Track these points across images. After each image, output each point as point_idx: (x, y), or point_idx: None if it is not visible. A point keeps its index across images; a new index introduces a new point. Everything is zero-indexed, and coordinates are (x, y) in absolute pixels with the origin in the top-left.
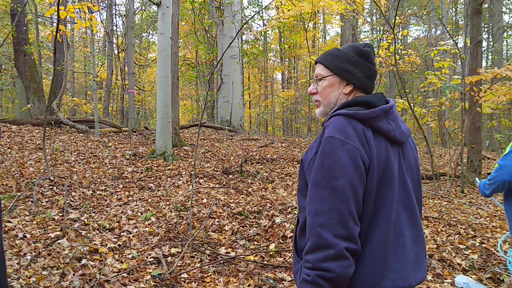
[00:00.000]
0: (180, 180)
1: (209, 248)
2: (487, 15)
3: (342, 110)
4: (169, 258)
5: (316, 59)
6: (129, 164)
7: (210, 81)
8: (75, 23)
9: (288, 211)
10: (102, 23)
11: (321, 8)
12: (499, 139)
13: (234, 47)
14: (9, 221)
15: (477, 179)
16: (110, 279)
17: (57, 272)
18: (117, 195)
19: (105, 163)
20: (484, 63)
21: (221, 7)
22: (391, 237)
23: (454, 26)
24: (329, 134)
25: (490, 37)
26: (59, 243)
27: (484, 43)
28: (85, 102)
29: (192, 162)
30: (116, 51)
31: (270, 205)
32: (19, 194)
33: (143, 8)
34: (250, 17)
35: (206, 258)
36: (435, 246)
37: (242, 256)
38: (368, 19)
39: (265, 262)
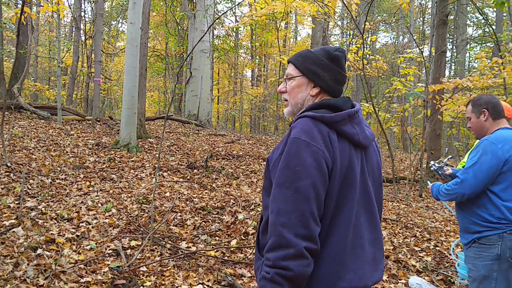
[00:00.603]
0: (143, 173)
1: (170, 242)
2: (453, 27)
3: (309, 112)
4: (128, 251)
5: (289, 59)
6: (92, 153)
7: (179, 74)
8: (41, 6)
9: (251, 208)
10: (70, 8)
11: (294, 8)
12: (457, 147)
13: (205, 41)
14: None
15: (429, 181)
16: (66, 270)
17: (10, 262)
18: (77, 184)
19: (66, 152)
20: (447, 73)
21: (194, 0)
22: (350, 238)
23: (421, 35)
24: (295, 135)
25: (454, 48)
26: (14, 231)
27: (448, 54)
28: (48, 88)
29: (157, 155)
30: (83, 38)
31: (234, 202)
32: None
33: None
34: (222, 12)
35: (167, 252)
36: (392, 247)
37: (203, 251)
38: (339, 23)
39: (226, 258)
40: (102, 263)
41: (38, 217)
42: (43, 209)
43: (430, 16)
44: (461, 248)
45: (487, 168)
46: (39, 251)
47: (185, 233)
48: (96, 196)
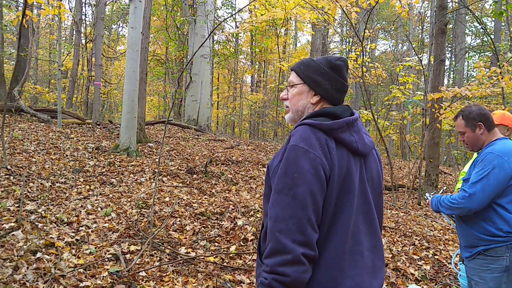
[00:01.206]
0: (143, 177)
1: (169, 247)
2: (451, 36)
3: (308, 120)
4: (127, 255)
5: (291, 67)
6: (91, 157)
7: (179, 79)
8: (43, 9)
9: (250, 214)
10: (71, 11)
11: (294, 15)
12: (456, 155)
13: (205, 46)
14: None
15: (427, 195)
16: (66, 274)
17: (10, 265)
18: (77, 188)
19: (66, 155)
20: (445, 81)
21: (194, 6)
22: (348, 245)
23: (420, 44)
24: (294, 142)
25: (453, 56)
26: (13, 234)
27: (447, 62)
28: (48, 91)
29: (156, 159)
30: (83, 41)
31: (233, 207)
32: None
33: None
34: (223, 18)
35: (166, 257)
36: (391, 255)
37: (202, 257)
38: (339, 30)
39: (225, 263)
40: (101, 267)
41: (38, 220)
42: (43, 212)
43: (429, 25)
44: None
45: (496, 182)
46: (38, 254)
47: (185, 238)
48: (95, 200)
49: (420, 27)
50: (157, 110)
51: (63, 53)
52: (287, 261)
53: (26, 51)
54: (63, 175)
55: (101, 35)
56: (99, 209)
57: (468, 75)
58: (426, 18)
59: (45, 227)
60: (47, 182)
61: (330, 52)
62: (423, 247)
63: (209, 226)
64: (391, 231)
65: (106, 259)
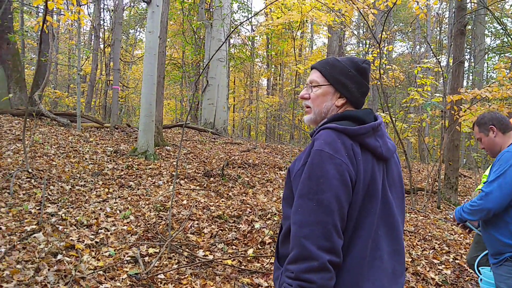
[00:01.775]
0: (160, 180)
1: (187, 250)
2: (470, 37)
3: (333, 124)
4: (146, 258)
5: (313, 65)
6: (110, 160)
7: (196, 82)
8: (63, 14)
9: (267, 217)
10: (89, 16)
11: (310, 18)
12: (476, 158)
13: (221, 50)
14: None
15: (450, 214)
16: (86, 276)
17: (31, 267)
18: (96, 191)
19: (86, 158)
20: (465, 83)
21: (211, 10)
22: (369, 250)
23: (438, 45)
24: (319, 147)
25: (472, 58)
26: (35, 237)
27: (466, 64)
28: (67, 95)
29: (174, 163)
30: (102, 46)
31: (250, 210)
32: None
33: (132, 4)
34: (240, 22)
35: (184, 260)
36: (410, 259)
37: (219, 260)
38: (355, 32)
39: (243, 267)
40: (120, 269)
41: (58, 223)
42: (63, 215)
43: (447, 26)
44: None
45: None
46: (59, 256)
47: (202, 241)
48: (114, 203)
49: (438, 28)
50: (174, 113)
51: (82, 58)
52: (313, 268)
53: (46, 56)
54: (82, 178)
55: (119, 39)
56: (118, 212)
57: (488, 77)
58: (445, 19)
59: (65, 230)
60: (67, 185)
61: (346, 54)
62: (444, 251)
63: (226, 229)
64: (410, 235)
65: (125, 262)
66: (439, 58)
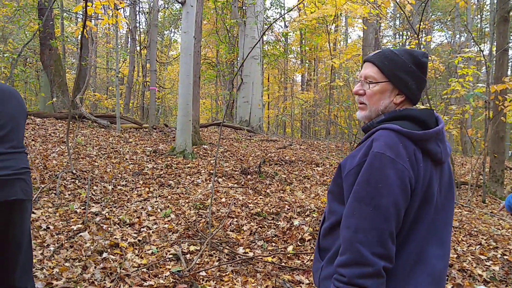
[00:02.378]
0: (199, 179)
1: (227, 247)
2: None
3: (395, 126)
4: (187, 256)
5: (368, 58)
6: (149, 160)
7: (232, 81)
8: (101, 19)
9: (306, 214)
10: (126, 19)
11: (345, 11)
12: None
13: (255, 47)
14: (33, 212)
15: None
16: (131, 274)
17: (79, 264)
18: (137, 190)
19: (126, 159)
20: (509, 72)
21: (244, 8)
22: (418, 254)
23: (479, 33)
24: (379, 149)
25: None
26: (81, 235)
27: (510, 52)
28: (106, 98)
29: (211, 161)
30: (138, 48)
31: (288, 207)
32: (43, 186)
33: (166, 6)
34: (274, 20)
35: (224, 257)
36: (456, 255)
37: (260, 257)
38: (391, 24)
39: (283, 264)
40: (163, 267)
41: (103, 222)
42: (106, 214)
43: (488, 14)
44: None
45: None
46: (104, 254)
47: (242, 238)
48: (155, 201)
49: (479, 16)
50: (210, 112)
51: (120, 61)
52: (368, 273)
53: (86, 60)
54: (123, 178)
55: (154, 41)
56: (158, 210)
57: None
58: (486, 6)
59: (109, 228)
60: (109, 185)
61: (383, 46)
62: (491, 247)
63: (265, 226)
64: (455, 230)
65: (167, 259)
66: (481, 47)
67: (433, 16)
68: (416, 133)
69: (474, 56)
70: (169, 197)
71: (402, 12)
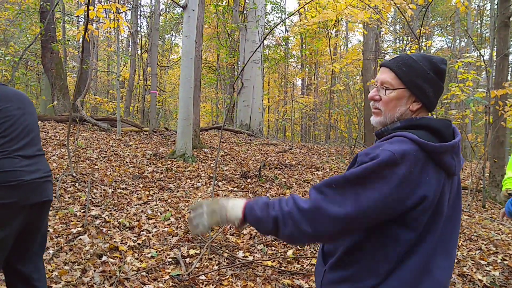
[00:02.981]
0: (199, 182)
1: (227, 251)
2: None
3: (413, 135)
4: (187, 259)
5: (385, 63)
6: (150, 164)
7: (232, 84)
8: (103, 22)
9: None
10: (127, 23)
11: (346, 16)
12: None
13: (256, 51)
14: None
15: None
16: (130, 277)
17: (78, 268)
18: (137, 194)
19: (126, 162)
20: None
21: (245, 12)
22: (425, 264)
23: (479, 39)
24: (391, 149)
25: None
26: (80, 239)
27: (511, 57)
28: (106, 101)
29: (211, 165)
30: (139, 52)
31: None
32: None
33: (167, 10)
34: (275, 24)
35: (224, 261)
36: (456, 261)
37: (259, 261)
38: (391, 29)
39: (283, 268)
40: (163, 271)
41: (102, 225)
42: (106, 217)
43: (488, 19)
44: None
45: None
46: (104, 258)
47: (242, 242)
48: (155, 205)
49: (479, 21)
50: (210, 116)
51: (121, 64)
52: (296, 227)
53: (87, 63)
54: (123, 181)
55: (156, 45)
56: (158, 214)
57: None
58: (486, 11)
59: (109, 232)
60: (109, 188)
61: (383, 51)
62: (491, 252)
63: None
64: None
65: (167, 263)
66: (481, 52)
67: (433, 21)
68: (432, 145)
69: (474, 61)
70: (169, 200)
71: (402, 17)
